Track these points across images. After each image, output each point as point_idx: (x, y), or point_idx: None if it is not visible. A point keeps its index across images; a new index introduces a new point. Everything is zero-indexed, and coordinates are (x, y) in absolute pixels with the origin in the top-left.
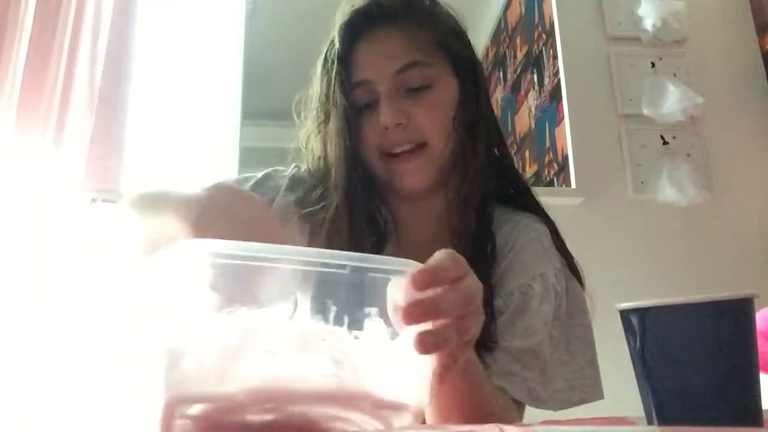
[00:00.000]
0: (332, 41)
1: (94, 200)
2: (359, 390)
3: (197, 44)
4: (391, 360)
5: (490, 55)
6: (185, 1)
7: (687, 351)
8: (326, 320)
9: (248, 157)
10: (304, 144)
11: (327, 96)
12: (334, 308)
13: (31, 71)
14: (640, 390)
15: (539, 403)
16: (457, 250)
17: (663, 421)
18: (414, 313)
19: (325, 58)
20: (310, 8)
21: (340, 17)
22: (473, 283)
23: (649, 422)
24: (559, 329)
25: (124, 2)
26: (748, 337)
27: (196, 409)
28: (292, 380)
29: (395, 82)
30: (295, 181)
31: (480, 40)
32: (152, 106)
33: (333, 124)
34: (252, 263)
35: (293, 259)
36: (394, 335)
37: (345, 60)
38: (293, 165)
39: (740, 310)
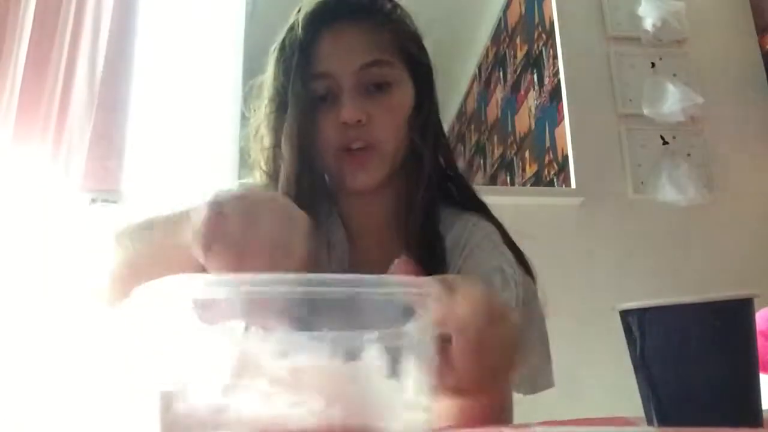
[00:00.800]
0: (292, 28)
1: (94, 200)
2: (351, 426)
3: (197, 44)
4: (388, 392)
5: (490, 55)
6: (185, 2)
7: (687, 351)
8: (321, 352)
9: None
10: (253, 132)
11: (284, 85)
12: (330, 336)
13: (31, 71)
14: (640, 390)
15: (514, 387)
16: (408, 252)
17: (663, 421)
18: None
19: (282, 45)
20: None
21: (305, 5)
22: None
23: (649, 422)
24: (521, 318)
25: (124, 2)
26: (748, 337)
27: None
28: (282, 420)
29: (359, 78)
30: None
31: (480, 40)
32: (152, 106)
33: (289, 115)
34: (244, 294)
35: (287, 286)
36: (394, 363)
37: (306, 50)
38: (239, 182)
39: (740, 310)
